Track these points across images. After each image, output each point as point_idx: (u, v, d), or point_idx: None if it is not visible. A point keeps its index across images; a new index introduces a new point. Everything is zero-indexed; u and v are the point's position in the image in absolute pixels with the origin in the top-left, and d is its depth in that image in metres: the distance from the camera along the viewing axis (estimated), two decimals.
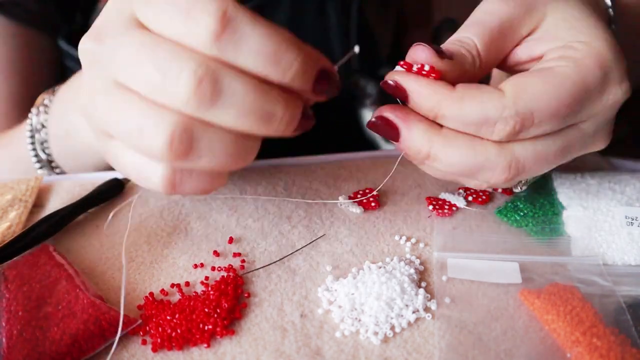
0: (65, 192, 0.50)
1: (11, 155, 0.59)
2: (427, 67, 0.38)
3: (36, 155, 0.56)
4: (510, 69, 0.42)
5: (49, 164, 0.56)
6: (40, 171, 0.56)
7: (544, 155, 0.39)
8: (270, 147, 0.52)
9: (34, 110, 0.56)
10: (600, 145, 0.42)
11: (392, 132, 0.38)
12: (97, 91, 0.35)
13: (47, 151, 0.56)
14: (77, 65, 0.67)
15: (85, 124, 0.40)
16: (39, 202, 0.50)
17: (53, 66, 0.69)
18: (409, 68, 0.38)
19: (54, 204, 0.49)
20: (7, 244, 0.42)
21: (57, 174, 0.57)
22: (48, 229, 0.44)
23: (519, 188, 0.45)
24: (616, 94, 0.39)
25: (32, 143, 0.56)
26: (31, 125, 0.56)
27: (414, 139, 0.38)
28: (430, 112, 0.38)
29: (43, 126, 0.55)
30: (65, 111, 0.54)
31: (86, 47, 0.36)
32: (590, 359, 0.34)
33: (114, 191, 0.50)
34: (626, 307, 0.37)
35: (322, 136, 0.62)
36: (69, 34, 0.66)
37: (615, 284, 0.39)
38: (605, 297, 0.38)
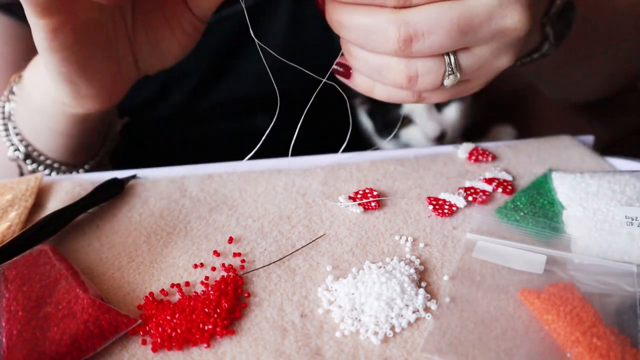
0: (65, 192, 0.50)
1: None
2: None
3: (9, 140, 0.55)
4: None
5: (24, 147, 0.55)
6: (15, 153, 0.55)
7: (439, 19, 0.40)
8: (270, 147, 0.52)
9: (3, 97, 0.55)
10: (516, 24, 0.41)
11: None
12: None
13: (19, 136, 0.55)
14: None
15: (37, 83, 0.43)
16: (39, 202, 0.49)
17: None
18: None
19: (54, 204, 0.49)
20: (7, 244, 0.42)
21: (30, 157, 0.55)
22: (48, 229, 0.44)
23: (446, 80, 0.43)
24: None
25: (6, 130, 0.55)
26: (2, 111, 0.55)
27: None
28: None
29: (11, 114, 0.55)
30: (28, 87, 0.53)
31: None
32: (590, 359, 0.34)
33: (113, 191, 0.50)
34: (626, 307, 0.37)
35: (322, 136, 0.62)
36: None
37: (615, 283, 0.39)
38: (605, 297, 0.38)
